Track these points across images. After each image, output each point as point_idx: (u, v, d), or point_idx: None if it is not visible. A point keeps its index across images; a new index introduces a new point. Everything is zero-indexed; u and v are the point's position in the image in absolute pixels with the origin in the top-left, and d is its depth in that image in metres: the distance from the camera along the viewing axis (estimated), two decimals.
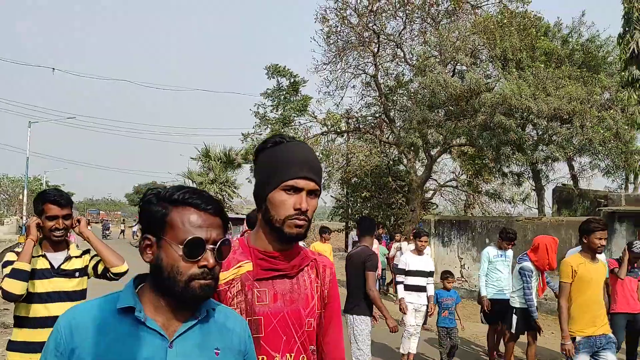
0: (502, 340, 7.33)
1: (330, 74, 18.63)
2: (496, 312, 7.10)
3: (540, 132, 12.30)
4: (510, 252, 7.25)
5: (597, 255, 4.66)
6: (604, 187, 14.57)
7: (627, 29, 13.32)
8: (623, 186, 13.68)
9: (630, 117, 12.05)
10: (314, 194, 1.59)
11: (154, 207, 1.30)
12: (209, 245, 1.28)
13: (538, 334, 6.39)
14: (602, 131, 10.84)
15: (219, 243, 1.30)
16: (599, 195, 12.94)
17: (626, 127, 11.48)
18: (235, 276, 1.57)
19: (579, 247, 6.59)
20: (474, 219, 14.23)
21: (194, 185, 27.05)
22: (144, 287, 1.33)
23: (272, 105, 19.83)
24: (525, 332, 6.52)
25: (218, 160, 27.45)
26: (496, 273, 7.10)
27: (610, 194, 10.90)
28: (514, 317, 6.45)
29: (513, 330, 6.48)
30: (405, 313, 6.74)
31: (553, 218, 12.14)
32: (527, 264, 6.39)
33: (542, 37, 13.09)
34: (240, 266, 1.58)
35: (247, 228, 3.24)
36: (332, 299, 1.75)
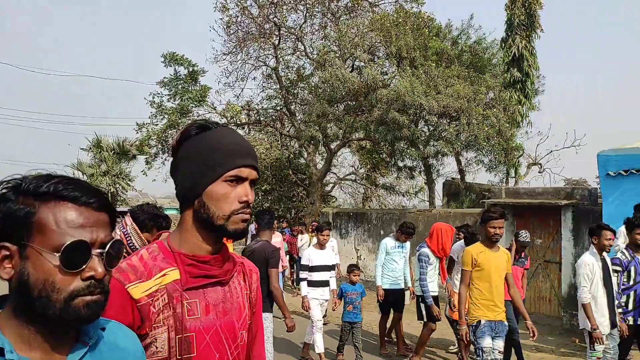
0: (395, 327, 7.65)
1: (230, 64, 18.29)
2: (390, 301, 7.39)
3: (432, 128, 12.92)
4: (407, 244, 7.51)
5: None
6: (487, 181, 15.63)
7: (509, 33, 14.31)
8: (504, 180, 14.76)
9: (511, 116, 12.98)
10: (253, 183, 1.43)
11: (13, 205, 0.99)
12: (95, 249, 1.01)
13: (439, 319, 6.66)
14: (486, 128, 11.59)
15: (108, 246, 1.03)
16: (483, 188, 13.88)
17: (507, 125, 12.36)
18: (159, 286, 1.33)
19: (462, 242, 7.01)
20: (370, 211, 14.69)
21: (85, 178, 25.41)
22: (3, 314, 1.01)
23: (168, 95, 19.09)
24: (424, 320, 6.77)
25: (111, 151, 26.03)
26: (392, 264, 7.35)
27: (493, 187, 11.74)
28: (422, 306, 6.66)
29: (425, 320, 6.67)
30: (307, 311, 6.79)
31: (442, 210, 12.83)
32: (424, 250, 6.68)
33: (434, 38, 13.75)
34: (164, 274, 1.35)
35: (133, 225, 3.01)
36: (258, 307, 1.61)
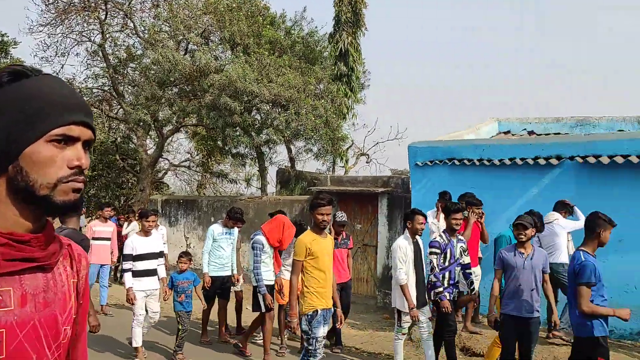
0: (219, 313, 7.63)
1: (49, 37, 16.56)
2: (217, 288, 7.34)
3: (264, 117, 13.08)
4: (235, 231, 7.47)
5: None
6: (316, 169, 16.32)
7: (337, 29, 15.03)
8: (331, 169, 15.55)
9: (338, 107, 13.68)
10: (88, 145, 1.18)
11: None
12: None
13: (271, 309, 6.53)
14: (314, 118, 12.06)
15: None
16: (314, 176, 14.48)
17: (334, 116, 13.00)
18: None
19: None
20: (200, 198, 14.46)
21: None
22: None
23: None
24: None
25: None
26: (219, 250, 7.27)
27: (320, 175, 12.29)
28: (259, 296, 6.45)
29: (261, 310, 6.46)
30: (132, 304, 6.42)
31: (272, 197, 13.11)
32: (259, 238, 6.54)
33: (268, 26, 13.85)
34: None
35: None
36: (85, 298, 1.36)
